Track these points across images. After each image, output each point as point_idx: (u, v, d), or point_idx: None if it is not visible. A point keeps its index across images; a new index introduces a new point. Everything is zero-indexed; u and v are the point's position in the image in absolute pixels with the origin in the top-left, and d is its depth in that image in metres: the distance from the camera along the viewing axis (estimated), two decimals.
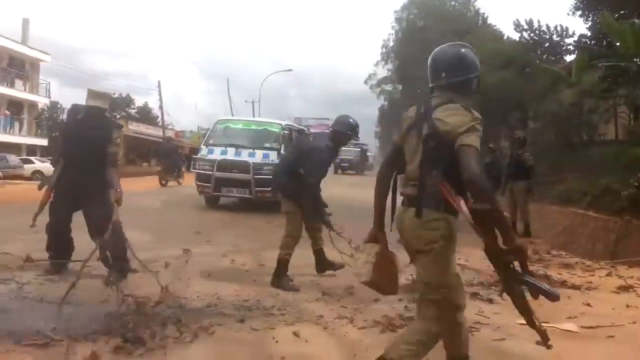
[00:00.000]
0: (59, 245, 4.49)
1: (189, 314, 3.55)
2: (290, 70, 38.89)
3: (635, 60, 10.36)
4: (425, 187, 2.16)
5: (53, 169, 4.66)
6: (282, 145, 9.75)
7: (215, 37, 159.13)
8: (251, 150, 9.56)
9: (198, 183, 9.85)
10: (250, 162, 9.36)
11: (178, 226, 7.90)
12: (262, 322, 3.46)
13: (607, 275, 5.46)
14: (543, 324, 3.74)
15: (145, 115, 47.38)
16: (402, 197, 2.36)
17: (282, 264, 4.52)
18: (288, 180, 4.63)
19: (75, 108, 4.88)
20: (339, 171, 30.84)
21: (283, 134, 10.00)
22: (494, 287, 4.69)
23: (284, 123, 10.91)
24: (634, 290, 4.71)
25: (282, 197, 4.69)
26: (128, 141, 30.32)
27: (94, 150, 4.33)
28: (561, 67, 15.45)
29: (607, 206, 7.42)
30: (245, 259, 5.54)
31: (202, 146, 10.35)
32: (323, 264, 4.91)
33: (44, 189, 4.52)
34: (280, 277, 4.49)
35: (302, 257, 4.88)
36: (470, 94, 2.35)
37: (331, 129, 4.85)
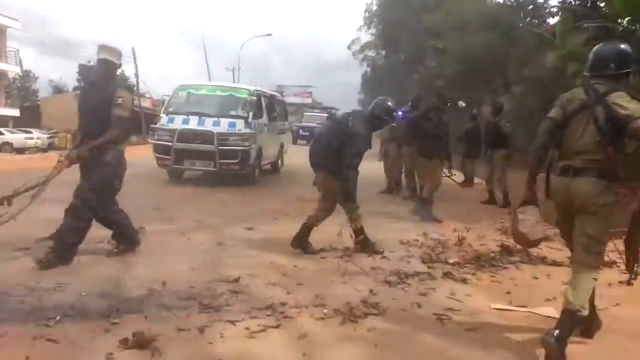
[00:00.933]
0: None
1: (125, 304, 3.11)
2: (269, 35, 37.30)
3: (619, 21, 10.03)
4: (603, 160, 2.63)
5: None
6: (250, 113, 8.98)
7: (197, 5, 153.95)
8: (216, 119, 8.70)
9: (157, 155, 8.95)
10: (215, 131, 8.53)
11: (135, 202, 7.09)
12: (207, 316, 3.01)
13: None
14: (520, 309, 3.46)
15: (122, 84, 45.91)
16: (560, 167, 2.80)
17: (307, 229, 4.62)
18: (327, 157, 4.54)
19: (85, 68, 4.45)
20: (299, 142, 22.76)
21: (251, 101, 9.10)
22: (468, 266, 4.35)
23: (251, 88, 9.97)
24: (617, 266, 4.38)
25: (320, 172, 4.68)
26: None
27: (100, 114, 3.93)
28: (545, 29, 15.05)
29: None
30: (204, 237, 5.09)
31: (161, 114, 9.37)
32: (363, 244, 4.71)
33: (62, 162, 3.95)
34: (300, 239, 4.58)
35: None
36: (627, 84, 2.79)
37: (370, 113, 4.77)
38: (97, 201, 3.96)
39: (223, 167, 8.65)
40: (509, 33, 14.20)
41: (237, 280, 3.68)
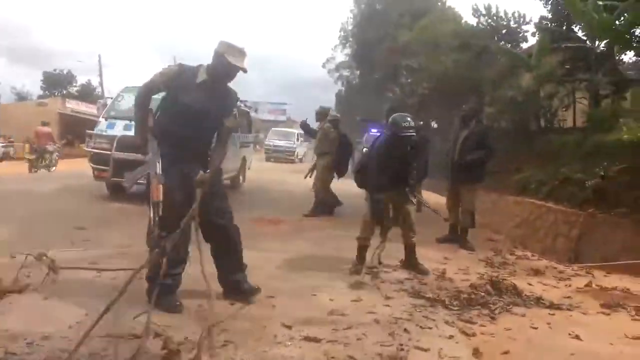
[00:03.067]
0: None
1: None
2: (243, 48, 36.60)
3: (597, 43, 9.74)
4: None
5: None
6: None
7: (173, 19, 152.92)
8: None
9: (93, 165, 7.87)
10: None
11: (59, 218, 6.24)
12: None
13: (586, 286, 4.49)
14: None
15: (88, 94, 44.54)
16: None
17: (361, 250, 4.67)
18: (362, 175, 4.85)
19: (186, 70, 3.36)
20: (272, 160, 24.33)
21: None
22: (452, 307, 3.56)
23: None
24: (624, 309, 3.72)
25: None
26: (66, 120, 28.13)
27: (212, 126, 3.36)
28: (521, 51, 14.85)
29: (569, 198, 6.70)
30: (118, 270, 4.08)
31: (100, 119, 8.29)
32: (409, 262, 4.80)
33: None
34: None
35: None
36: None
37: (388, 132, 4.75)
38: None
39: None
40: (482, 54, 13.92)
41: (138, 337, 2.71)
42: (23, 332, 2.66)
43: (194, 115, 3.22)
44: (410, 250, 4.77)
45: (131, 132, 7.53)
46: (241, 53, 3.25)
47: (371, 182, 4.63)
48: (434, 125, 19.09)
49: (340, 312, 3.22)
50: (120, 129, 7.77)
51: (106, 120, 8.08)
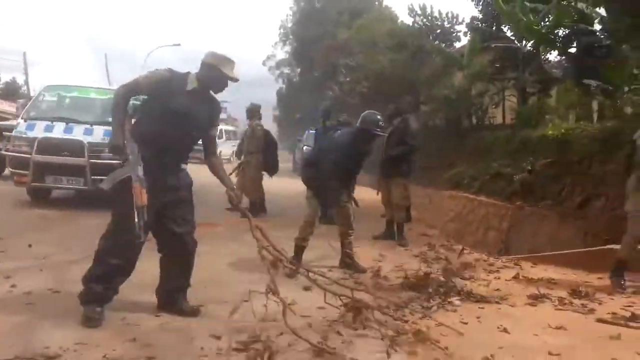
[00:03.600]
0: None
1: None
2: (178, 45, 35.70)
3: (524, 43, 10.19)
4: None
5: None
6: (132, 120, 7.70)
7: (104, 13, 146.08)
8: (88, 126, 7.23)
9: (12, 170, 7.36)
10: (85, 141, 7.06)
11: None
12: None
13: (514, 278, 4.63)
14: None
15: (13, 92, 41.74)
16: None
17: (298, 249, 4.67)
18: (311, 172, 4.81)
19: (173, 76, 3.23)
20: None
21: (133, 105, 7.81)
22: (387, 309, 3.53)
23: None
24: (549, 300, 3.86)
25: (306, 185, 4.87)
26: None
27: (197, 134, 3.33)
28: (454, 51, 15.32)
29: (499, 192, 6.99)
30: (37, 282, 3.76)
31: (19, 120, 7.74)
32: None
33: None
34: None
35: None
36: None
37: (358, 127, 4.86)
38: None
39: (97, 184, 7.28)
40: (418, 53, 14.23)
41: (52, 358, 2.52)
42: None
43: (181, 122, 3.14)
44: (347, 248, 4.75)
45: (52, 134, 7.24)
46: (231, 63, 3.22)
47: (328, 172, 4.54)
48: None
49: (272, 318, 3.11)
50: (42, 130, 7.26)
51: (25, 121, 7.52)
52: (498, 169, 7.34)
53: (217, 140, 3.61)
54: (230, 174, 8.06)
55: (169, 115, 3.11)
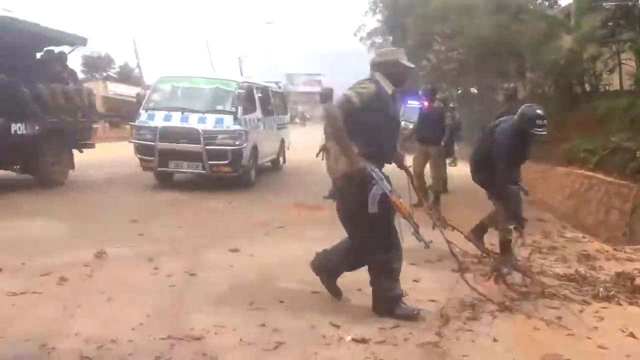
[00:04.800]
0: None
1: None
2: (270, 23, 36.42)
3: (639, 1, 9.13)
4: None
5: None
6: (240, 108, 8.19)
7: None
8: (201, 115, 7.99)
9: (139, 156, 8.25)
10: (200, 129, 7.82)
11: (112, 211, 6.61)
12: None
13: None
14: None
15: (127, 76, 45.32)
16: None
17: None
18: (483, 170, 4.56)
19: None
20: None
21: (240, 94, 8.30)
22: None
23: (240, 80, 9.20)
24: None
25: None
26: (110, 103, 28.98)
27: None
28: (558, 11, 14.10)
29: (620, 168, 6.36)
30: (175, 265, 4.23)
31: (141, 110, 8.49)
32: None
33: None
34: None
35: None
36: None
37: (517, 124, 4.30)
38: None
39: (213, 169, 7.94)
40: (519, 15, 13.31)
41: (199, 339, 2.87)
42: (92, 336, 2.85)
43: (396, 126, 3.43)
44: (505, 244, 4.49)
45: (170, 123, 7.98)
46: (402, 52, 3.43)
47: (504, 176, 4.25)
48: (474, 91, 18.60)
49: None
50: (161, 120, 8.09)
51: (146, 111, 8.37)
52: (618, 142, 6.74)
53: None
54: (317, 154, 7.97)
55: (388, 122, 3.27)
